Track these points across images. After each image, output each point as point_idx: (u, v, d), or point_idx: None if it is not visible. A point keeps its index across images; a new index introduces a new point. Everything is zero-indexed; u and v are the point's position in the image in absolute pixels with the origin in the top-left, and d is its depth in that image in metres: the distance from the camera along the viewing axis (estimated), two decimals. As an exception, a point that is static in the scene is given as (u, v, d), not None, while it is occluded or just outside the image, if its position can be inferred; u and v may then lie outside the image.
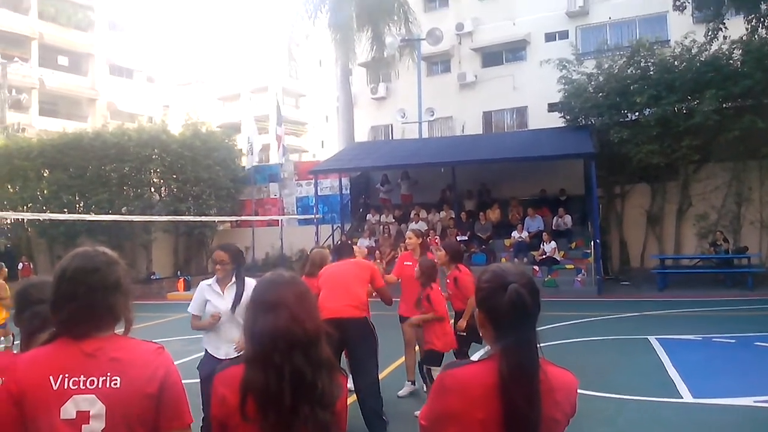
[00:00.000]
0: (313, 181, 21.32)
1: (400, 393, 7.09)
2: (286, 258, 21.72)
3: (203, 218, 20.33)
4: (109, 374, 1.78)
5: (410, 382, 7.17)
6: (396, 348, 7.60)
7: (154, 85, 45.42)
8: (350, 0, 23.59)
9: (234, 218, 22.45)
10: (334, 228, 21.18)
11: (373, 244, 19.01)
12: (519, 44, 26.86)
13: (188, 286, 19.78)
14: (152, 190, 22.97)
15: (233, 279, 4.81)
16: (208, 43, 54.13)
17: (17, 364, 1.81)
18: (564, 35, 25.52)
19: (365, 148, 23.22)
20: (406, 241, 7.47)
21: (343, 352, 5.64)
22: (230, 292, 4.83)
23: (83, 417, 1.74)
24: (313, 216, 20.36)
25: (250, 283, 4.62)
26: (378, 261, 17.83)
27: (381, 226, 20.12)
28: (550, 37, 25.97)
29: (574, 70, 19.03)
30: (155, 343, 1.93)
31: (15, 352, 2.27)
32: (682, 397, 6.65)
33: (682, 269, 17.51)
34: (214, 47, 53.31)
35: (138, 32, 43.69)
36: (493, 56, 27.63)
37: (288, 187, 23.63)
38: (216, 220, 21.72)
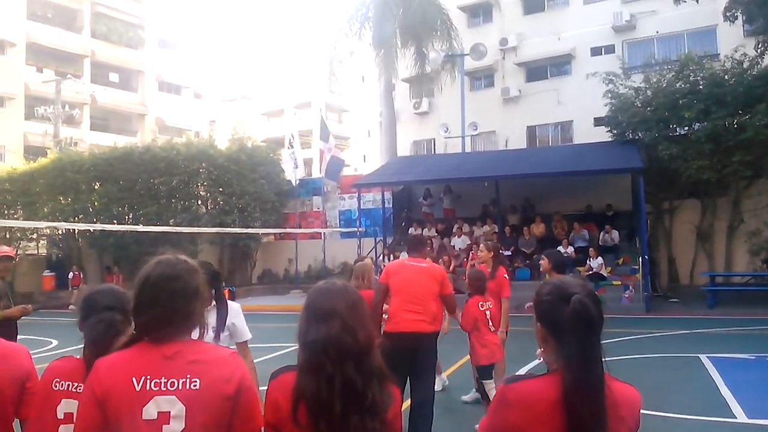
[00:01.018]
0: (355, 194, 21.47)
1: (465, 398, 7.21)
2: (329, 270, 21.90)
3: (248, 230, 20.65)
4: (188, 376, 1.83)
5: (476, 390, 7.10)
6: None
7: (200, 101, 46.49)
8: (394, 17, 23.83)
9: (278, 230, 22.75)
10: (377, 241, 21.25)
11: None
12: (564, 59, 26.65)
13: (233, 297, 20.02)
14: (199, 202, 23.46)
15: (212, 302, 4.18)
16: (253, 60, 55.28)
17: (99, 367, 1.88)
18: (610, 49, 25.23)
19: (408, 162, 23.30)
20: (479, 254, 7.52)
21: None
22: (210, 317, 4.33)
23: (164, 417, 1.79)
24: (355, 229, 20.50)
25: (234, 307, 4.13)
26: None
27: (424, 243, 20.06)
28: (595, 52, 25.72)
29: (621, 84, 18.82)
30: (229, 348, 2.01)
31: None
32: (736, 417, 6.45)
33: (733, 287, 17.06)
34: (259, 64, 54.39)
35: (186, 49, 44.88)
36: (537, 71, 27.47)
37: (331, 200, 23.86)
38: (260, 232, 22.05)
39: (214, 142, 24.02)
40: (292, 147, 23.31)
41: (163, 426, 1.79)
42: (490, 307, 6.27)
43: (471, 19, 29.30)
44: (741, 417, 6.45)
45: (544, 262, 6.60)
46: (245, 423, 1.88)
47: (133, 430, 1.78)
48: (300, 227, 22.79)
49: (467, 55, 25.20)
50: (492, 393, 6.10)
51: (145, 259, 2.09)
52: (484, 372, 5.97)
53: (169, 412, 1.80)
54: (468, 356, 7.63)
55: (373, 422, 1.83)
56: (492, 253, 7.24)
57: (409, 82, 28.63)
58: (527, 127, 27.04)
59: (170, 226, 20.48)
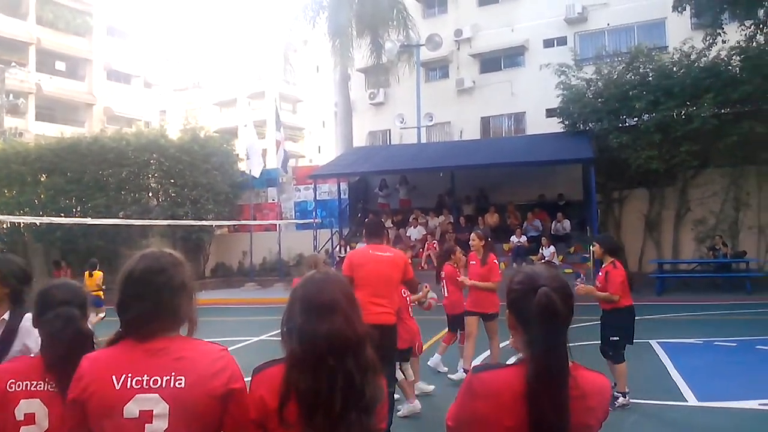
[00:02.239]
0: (310, 185, 21.31)
1: (453, 376, 7.72)
2: (284, 263, 21.71)
3: (201, 223, 20.29)
4: (173, 374, 1.77)
5: (464, 371, 7.48)
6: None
7: (151, 90, 45.40)
8: (349, 6, 23.65)
9: (232, 223, 22.42)
10: (333, 232, 21.16)
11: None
12: (517, 50, 26.92)
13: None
14: (150, 194, 22.94)
15: (6, 313, 2.88)
16: (205, 49, 54.18)
17: (81, 365, 1.82)
18: (562, 41, 25.58)
19: (364, 153, 23.23)
20: (470, 243, 7.83)
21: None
22: None
23: (146, 416, 1.73)
24: (311, 221, 20.35)
25: (27, 324, 2.62)
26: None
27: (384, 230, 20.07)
28: (548, 44, 26.04)
29: (573, 76, 19.11)
30: (219, 344, 1.92)
31: None
32: (687, 401, 6.63)
33: (680, 273, 17.55)
34: (211, 52, 53.38)
35: (136, 37, 43.71)
36: (491, 62, 27.67)
37: (286, 191, 23.62)
38: (214, 224, 21.69)
39: (165, 132, 23.48)
40: (248, 138, 22.96)
41: (146, 425, 1.73)
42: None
43: (426, 10, 29.31)
44: (692, 400, 6.64)
45: (596, 248, 6.85)
46: (237, 422, 1.81)
47: (115, 429, 1.73)
48: (255, 219, 22.50)
49: (423, 45, 25.22)
50: (408, 373, 6.35)
51: (95, 252, 2.00)
52: (403, 355, 6.14)
53: (152, 410, 1.74)
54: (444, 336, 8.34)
55: (368, 419, 1.78)
56: (483, 241, 7.72)
57: (365, 72, 28.52)
58: (481, 118, 27.25)
59: (120, 218, 19.96)
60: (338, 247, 20.13)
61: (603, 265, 6.63)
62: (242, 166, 24.36)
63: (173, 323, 1.88)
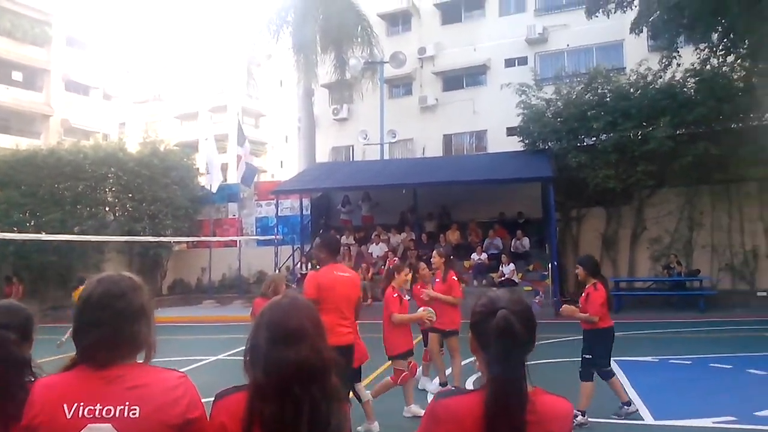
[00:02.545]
0: (272, 201, 21.14)
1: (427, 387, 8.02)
2: (244, 279, 21.45)
3: (159, 239, 19.93)
4: (127, 403, 1.72)
5: (440, 384, 7.86)
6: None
7: (110, 102, 44.60)
8: (314, 22, 23.67)
9: (191, 239, 22.08)
10: (294, 249, 20.99)
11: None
12: (479, 69, 27.30)
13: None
14: (107, 209, 22.47)
15: None
16: (166, 61, 53.54)
17: (33, 392, 1.76)
18: (523, 61, 26.04)
19: (327, 168, 23.18)
20: (432, 260, 7.99)
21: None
22: None
23: None
24: (272, 237, 20.17)
25: None
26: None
27: (342, 247, 20.02)
28: (509, 63, 26.47)
29: (533, 96, 19.42)
30: (178, 371, 1.86)
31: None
32: (643, 420, 6.71)
33: (636, 291, 17.87)
34: (173, 65, 52.78)
35: (96, 48, 42.95)
36: (453, 80, 28.00)
37: (247, 207, 23.39)
38: (172, 240, 21.33)
39: (124, 146, 23.06)
40: (207, 152, 22.73)
41: None
42: None
43: (390, 27, 29.55)
44: (648, 419, 6.72)
45: (579, 270, 6.88)
46: None
47: None
48: (214, 235, 22.20)
49: (387, 62, 25.38)
50: (363, 393, 6.34)
51: (48, 267, 1.93)
52: (356, 375, 6.17)
53: None
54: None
55: None
56: (443, 258, 7.96)
57: (329, 88, 28.55)
58: (444, 135, 27.51)
59: (75, 233, 19.46)
60: (300, 263, 19.98)
61: (586, 287, 6.75)
62: (203, 180, 24.06)
63: (131, 350, 1.82)
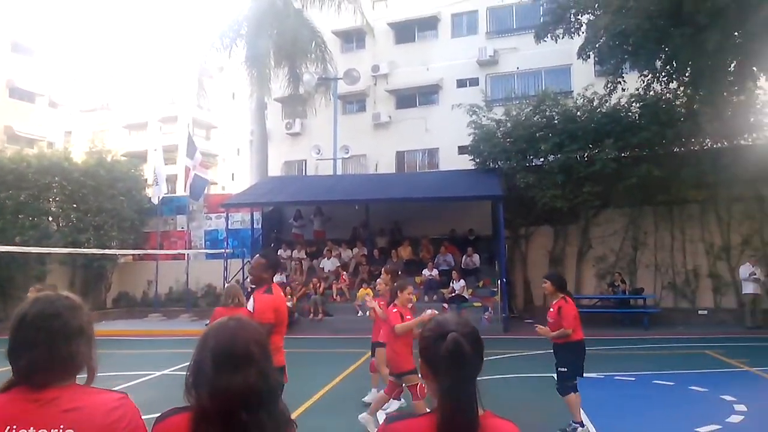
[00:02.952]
0: (222, 213, 20.85)
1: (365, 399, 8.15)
2: (192, 293, 21.05)
3: (104, 251, 19.39)
4: (62, 427, 1.67)
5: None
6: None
7: (56, 110, 43.37)
8: (267, 36, 23.60)
9: (137, 251, 21.57)
10: (244, 262, 20.70)
11: (284, 280, 18.74)
12: (432, 88, 27.69)
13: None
14: (50, 219, 21.74)
15: None
16: (115, 69, 52.43)
17: None
18: (475, 82, 26.53)
19: (279, 182, 23.03)
20: (380, 280, 8.31)
21: None
22: None
23: None
24: (222, 250, 19.87)
25: None
26: (288, 297, 17.60)
27: (293, 262, 19.90)
28: (461, 83, 26.93)
29: (484, 116, 19.78)
30: (118, 392, 1.82)
31: None
32: (588, 434, 6.86)
33: (582, 309, 18.10)
34: (122, 73, 51.73)
35: (42, 55, 41.78)
36: (407, 98, 28.32)
37: (196, 219, 23.01)
38: (117, 252, 20.79)
39: (69, 155, 22.41)
40: (155, 163, 22.33)
41: None
42: None
43: (345, 45, 29.74)
44: (593, 434, 6.86)
45: (547, 285, 6.98)
46: None
47: None
48: (162, 247, 21.74)
49: (340, 79, 25.49)
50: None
51: None
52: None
53: None
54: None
55: None
56: (389, 275, 8.23)
57: (282, 102, 28.48)
58: (397, 152, 27.75)
59: (16, 244, 18.76)
60: (268, 254, 19.73)
61: (554, 301, 6.87)
62: (150, 192, 23.59)
63: (68, 371, 1.77)
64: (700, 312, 17.65)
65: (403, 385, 6.61)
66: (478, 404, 1.72)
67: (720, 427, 6.93)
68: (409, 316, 6.71)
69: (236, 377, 1.66)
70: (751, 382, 9.67)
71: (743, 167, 16.16)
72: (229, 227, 20.82)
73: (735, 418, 7.30)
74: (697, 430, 6.84)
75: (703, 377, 9.82)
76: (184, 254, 20.73)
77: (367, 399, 8.27)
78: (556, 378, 6.92)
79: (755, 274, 16.29)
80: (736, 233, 17.71)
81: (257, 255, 5.28)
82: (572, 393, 6.74)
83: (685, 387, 9.12)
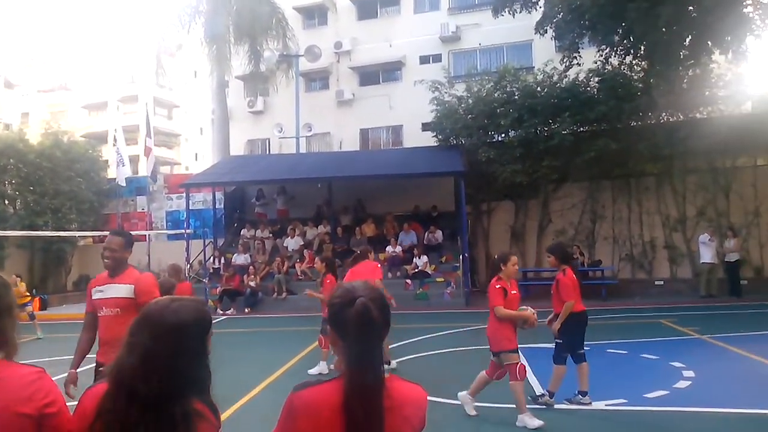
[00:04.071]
0: (183, 194, 20.62)
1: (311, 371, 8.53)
2: (155, 275, 20.79)
3: (62, 233, 19.06)
4: None
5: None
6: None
7: (12, 91, 42.22)
8: (226, 13, 23.23)
9: (96, 233, 21.23)
10: (206, 243, 20.56)
11: (248, 260, 18.68)
12: (395, 65, 27.58)
13: (45, 306, 18.43)
14: (6, 202, 21.27)
15: None
16: (73, 48, 51.11)
17: None
18: (437, 59, 26.50)
19: (241, 162, 22.81)
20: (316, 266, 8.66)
21: None
22: None
23: None
24: (183, 231, 19.66)
25: None
26: (252, 276, 17.56)
27: (255, 241, 19.81)
28: (424, 60, 26.87)
29: (446, 93, 19.81)
30: (36, 367, 1.85)
31: None
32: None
33: (542, 281, 18.54)
34: (80, 53, 50.43)
35: (-6, 33, 40.54)
36: (370, 75, 28.17)
37: (157, 200, 22.71)
38: (77, 235, 20.45)
39: (24, 136, 21.92)
40: (116, 144, 21.91)
41: None
42: None
43: (306, 21, 29.40)
44: (546, 402, 7.02)
45: (551, 259, 6.94)
46: None
47: None
48: (122, 229, 21.40)
49: (302, 56, 25.24)
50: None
51: None
52: None
53: None
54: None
55: None
56: (324, 263, 9.04)
57: (244, 80, 28.12)
58: (360, 129, 27.66)
59: (-30, 227, 18.37)
60: (212, 258, 19.62)
61: (558, 274, 6.86)
62: (111, 173, 23.19)
63: None
64: (656, 282, 18.07)
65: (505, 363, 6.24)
66: (383, 369, 1.76)
67: (667, 392, 7.15)
68: (515, 291, 6.35)
69: (157, 357, 1.68)
70: (701, 348, 9.94)
71: (698, 140, 16.53)
72: (191, 208, 20.59)
73: (682, 384, 7.54)
74: (646, 395, 7.05)
75: (655, 345, 10.09)
76: (145, 236, 20.45)
77: (312, 371, 8.53)
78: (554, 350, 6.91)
79: (713, 241, 16.67)
80: (691, 205, 18.13)
81: (110, 233, 4.81)
82: (564, 365, 6.77)
83: (637, 355, 9.38)
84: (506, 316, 6.20)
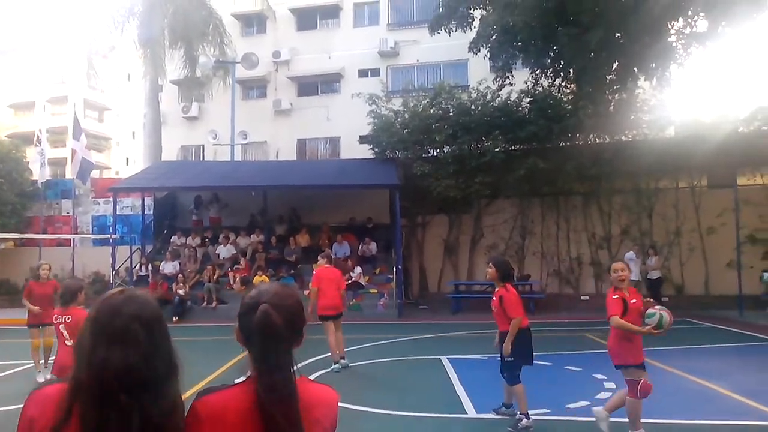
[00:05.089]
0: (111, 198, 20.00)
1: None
2: (78, 281, 20.04)
3: (-20, 236, 18.18)
4: None
5: None
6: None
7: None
8: (162, 15, 22.77)
9: (17, 236, 20.33)
10: (133, 250, 19.96)
11: (178, 268, 18.25)
12: (333, 77, 27.65)
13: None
14: None
15: None
16: (0, 45, 48.94)
17: None
18: (376, 73, 26.72)
19: (173, 167, 22.29)
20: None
21: None
22: None
23: None
24: (108, 236, 19.05)
25: None
26: (181, 284, 17.17)
27: (187, 249, 19.39)
28: (362, 73, 27.05)
29: (383, 106, 20.01)
30: None
31: None
32: (467, 413, 7.13)
33: (473, 294, 18.88)
34: (8, 50, 48.31)
35: None
36: (308, 86, 28.14)
37: (83, 204, 21.93)
38: (-4, 237, 19.54)
39: (-59, 134, 20.87)
40: (39, 144, 21.06)
41: None
42: (68, 321, 5.90)
43: (245, 28, 29.16)
44: (471, 412, 7.15)
45: (491, 271, 6.67)
46: None
47: None
48: (46, 233, 20.58)
49: (239, 63, 24.98)
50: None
51: None
52: None
53: None
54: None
55: None
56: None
57: (179, 85, 27.59)
58: (298, 139, 27.56)
59: None
60: (139, 264, 19.07)
61: (497, 289, 6.69)
62: (35, 173, 22.26)
63: None
64: (582, 297, 18.68)
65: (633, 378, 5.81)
66: (293, 372, 1.75)
67: (589, 402, 7.35)
68: (634, 300, 5.90)
69: (114, 354, 1.57)
70: (621, 361, 10.33)
71: (623, 162, 17.26)
72: (119, 213, 19.99)
73: (603, 395, 7.77)
74: (569, 406, 7.28)
75: (579, 358, 10.41)
76: (70, 240, 19.71)
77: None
78: (500, 366, 6.77)
79: (637, 258, 17.30)
80: (615, 224, 18.83)
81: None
82: (520, 383, 6.58)
83: (561, 367, 9.65)
84: (622, 326, 5.75)
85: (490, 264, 6.78)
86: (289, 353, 1.77)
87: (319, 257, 10.18)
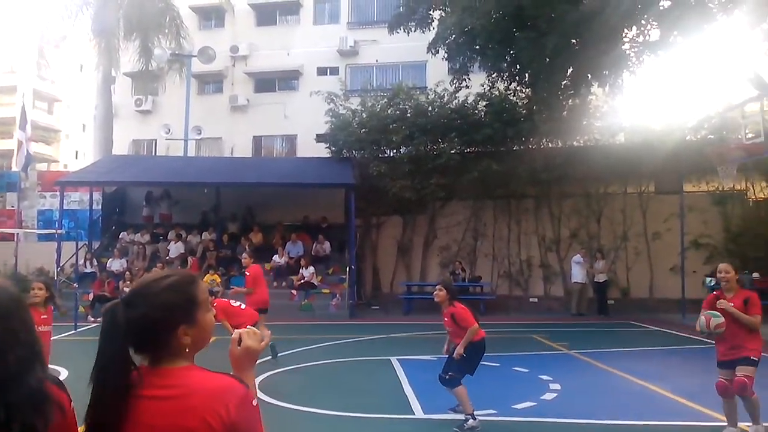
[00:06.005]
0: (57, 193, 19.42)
1: None
2: (21, 277, 19.42)
3: None
4: None
5: None
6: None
7: None
8: (116, 6, 22.23)
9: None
10: (80, 246, 19.41)
11: (125, 264, 17.85)
12: (292, 74, 27.42)
13: None
14: None
15: None
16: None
17: None
18: (335, 71, 26.57)
19: (123, 161, 21.79)
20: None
21: None
22: None
23: None
24: (54, 231, 18.48)
25: None
26: (128, 282, 16.79)
27: (135, 246, 18.97)
28: (321, 72, 26.89)
29: (341, 105, 19.94)
30: None
31: None
32: (414, 414, 7.14)
33: (425, 295, 18.97)
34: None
35: None
36: (266, 83, 27.84)
37: (29, 198, 21.24)
38: (-65, 231, 18.76)
39: None
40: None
41: None
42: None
43: (203, 22, 28.73)
44: (419, 413, 7.16)
45: (441, 294, 6.70)
46: None
47: None
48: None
49: (195, 56, 24.57)
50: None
51: None
52: None
53: None
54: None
55: None
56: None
57: (132, 77, 26.96)
58: (254, 136, 27.25)
59: None
60: (84, 261, 18.58)
61: (444, 310, 6.73)
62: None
63: None
64: (531, 299, 18.98)
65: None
66: (123, 367, 1.69)
67: (535, 403, 7.49)
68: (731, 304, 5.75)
69: None
70: (568, 363, 10.51)
71: (574, 167, 17.58)
72: (66, 207, 19.42)
73: (549, 396, 7.93)
74: (515, 406, 7.36)
75: (526, 359, 10.55)
76: (13, 234, 19.07)
77: None
78: (443, 371, 6.80)
79: (584, 261, 17.66)
80: (565, 227, 19.16)
81: None
82: (461, 385, 6.63)
83: (508, 367, 9.75)
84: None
85: (440, 287, 6.87)
86: (126, 350, 1.71)
87: (246, 255, 11.14)
